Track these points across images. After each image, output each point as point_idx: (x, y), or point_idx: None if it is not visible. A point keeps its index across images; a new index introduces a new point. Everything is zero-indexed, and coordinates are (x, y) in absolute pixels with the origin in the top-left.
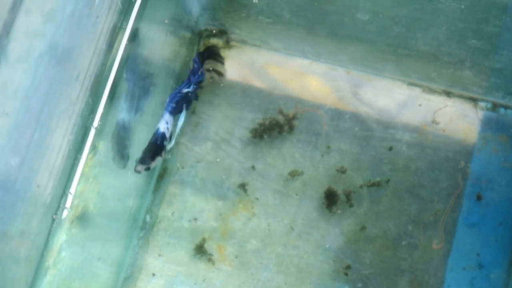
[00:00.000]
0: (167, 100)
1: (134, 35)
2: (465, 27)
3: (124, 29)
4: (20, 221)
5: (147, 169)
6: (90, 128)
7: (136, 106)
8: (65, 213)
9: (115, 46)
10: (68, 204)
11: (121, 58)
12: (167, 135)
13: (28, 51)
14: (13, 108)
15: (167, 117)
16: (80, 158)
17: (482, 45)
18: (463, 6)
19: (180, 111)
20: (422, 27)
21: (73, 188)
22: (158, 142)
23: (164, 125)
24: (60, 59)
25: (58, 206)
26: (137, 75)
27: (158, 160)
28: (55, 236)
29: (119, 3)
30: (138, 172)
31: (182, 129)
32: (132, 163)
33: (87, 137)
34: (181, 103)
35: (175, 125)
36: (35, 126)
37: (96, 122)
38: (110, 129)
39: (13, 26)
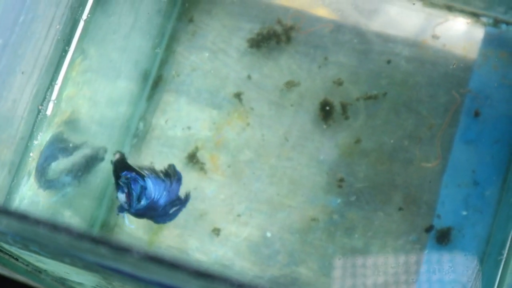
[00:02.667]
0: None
1: None
2: None
3: None
4: (2, 106)
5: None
6: (79, 21)
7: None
8: (51, 106)
9: None
10: (54, 96)
11: None
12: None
13: None
14: None
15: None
16: (68, 50)
17: None
18: None
19: None
20: None
21: (59, 80)
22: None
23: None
24: None
25: (44, 98)
26: None
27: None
28: (41, 131)
29: None
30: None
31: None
32: None
33: (76, 30)
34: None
35: None
36: (20, 9)
37: (85, 15)
38: (102, 35)
39: None
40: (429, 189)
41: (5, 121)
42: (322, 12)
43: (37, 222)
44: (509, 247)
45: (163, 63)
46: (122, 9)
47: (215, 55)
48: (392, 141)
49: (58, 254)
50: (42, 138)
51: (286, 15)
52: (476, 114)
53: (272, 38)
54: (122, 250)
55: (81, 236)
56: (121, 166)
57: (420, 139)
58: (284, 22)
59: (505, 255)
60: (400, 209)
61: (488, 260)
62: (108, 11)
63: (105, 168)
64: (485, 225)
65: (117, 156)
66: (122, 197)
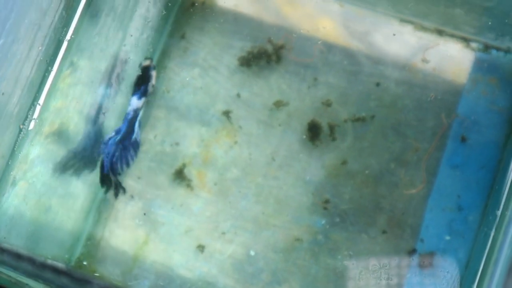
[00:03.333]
0: None
1: None
2: None
3: None
4: None
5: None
6: (63, 41)
7: None
8: (32, 124)
9: None
10: (36, 115)
11: None
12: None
13: None
14: None
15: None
16: (51, 71)
17: None
18: None
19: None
20: None
21: (42, 100)
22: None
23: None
24: None
25: (26, 117)
26: None
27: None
28: (23, 149)
29: None
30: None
31: None
32: None
33: (59, 50)
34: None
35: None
36: (0, 33)
37: (69, 35)
38: (90, 47)
39: None
40: (413, 212)
41: None
42: (313, 32)
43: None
44: (482, 272)
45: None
46: (109, 27)
47: (206, 72)
48: (378, 164)
49: (30, 276)
50: (27, 152)
51: (277, 34)
52: (463, 139)
53: (262, 57)
54: (83, 281)
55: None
56: (145, 75)
57: (406, 163)
58: (275, 42)
59: (476, 282)
60: (384, 232)
61: (465, 285)
62: (94, 31)
63: (93, 180)
64: (466, 250)
65: (147, 62)
66: (134, 102)
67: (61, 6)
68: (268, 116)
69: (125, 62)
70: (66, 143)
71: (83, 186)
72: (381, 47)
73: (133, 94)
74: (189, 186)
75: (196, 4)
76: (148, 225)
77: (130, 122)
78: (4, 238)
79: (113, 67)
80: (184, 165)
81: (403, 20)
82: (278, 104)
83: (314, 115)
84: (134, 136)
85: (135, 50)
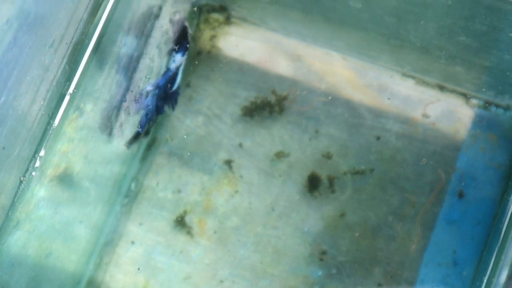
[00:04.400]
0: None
1: None
2: (453, 22)
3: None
4: None
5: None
6: (66, 95)
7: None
8: (33, 174)
9: (98, 15)
10: (37, 164)
11: (102, 27)
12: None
13: None
14: None
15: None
16: (53, 124)
17: (471, 42)
18: (449, 2)
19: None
20: (412, 19)
21: (42, 153)
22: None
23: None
24: (32, 26)
25: (27, 169)
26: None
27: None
28: (27, 193)
29: None
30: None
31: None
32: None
33: (61, 104)
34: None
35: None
36: (1, 90)
37: (72, 89)
38: (98, 93)
39: None
40: (409, 266)
41: None
42: (316, 84)
43: None
44: None
45: (158, 125)
46: (113, 78)
47: (210, 120)
48: (376, 217)
49: None
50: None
51: (281, 85)
52: (461, 195)
53: (265, 108)
54: None
55: None
56: (182, 30)
57: (404, 216)
58: (279, 93)
59: None
60: (379, 284)
61: None
62: (98, 82)
63: (95, 224)
64: None
65: (178, 16)
66: (178, 59)
67: (64, 61)
68: (269, 166)
69: (128, 112)
70: (70, 187)
71: (85, 230)
72: (383, 100)
73: (177, 51)
74: (189, 233)
75: (202, 53)
76: (148, 271)
77: (171, 77)
78: (6, 281)
79: (116, 116)
80: (185, 212)
81: (404, 75)
82: (280, 155)
83: (314, 166)
84: (176, 87)
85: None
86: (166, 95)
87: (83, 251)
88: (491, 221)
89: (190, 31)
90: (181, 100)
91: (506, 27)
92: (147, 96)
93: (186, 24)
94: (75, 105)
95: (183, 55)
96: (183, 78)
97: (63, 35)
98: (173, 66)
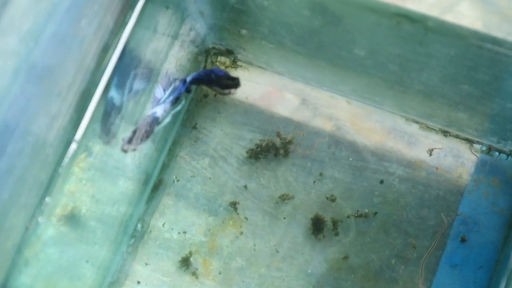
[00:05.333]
0: (170, 89)
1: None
2: (456, 72)
3: (115, 48)
4: None
5: (134, 149)
6: (72, 141)
7: (129, 86)
8: (40, 220)
9: (104, 64)
10: (44, 208)
11: (109, 77)
12: (160, 120)
13: (1, 69)
14: None
15: (168, 105)
16: (58, 170)
17: (473, 91)
18: (452, 53)
19: (178, 103)
20: (415, 68)
21: (48, 199)
22: (150, 126)
23: (161, 112)
24: (39, 77)
25: (33, 215)
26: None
27: (146, 143)
28: (35, 233)
29: (111, 23)
30: (125, 151)
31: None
32: (118, 142)
33: (67, 151)
34: (181, 97)
35: (170, 110)
36: (8, 140)
37: (78, 136)
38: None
39: None
40: None
41: None
42: (321, 127)
43: None
44: None
45: (165, 167)
46: (119, 125)
47: (216, 162)
48: (379, 259)
49: None
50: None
51: (286, 128)
52: (463, 240)
53: (270, 150)
54: None
55: None
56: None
57: (407, 259)
58: (284, 136)
59: None
60: None
61: None
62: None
63: (101, 263)
64: None
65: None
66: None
67: (71, 109)
68: (273, 208)
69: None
70: (77, 226)
71: (92, 269)
72: (387, 145)
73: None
74: (194, 274)
75: (208, 95)
76: None
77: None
78: None
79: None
80: (190, 253)
81: (408, 119)
82: (284, 197)
83: (318, 209)
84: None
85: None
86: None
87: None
88: (493, 266)
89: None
90: (187, 142)
91: (509, 77)
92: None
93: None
94: (83, 145)
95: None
96: (189, 119)
97: (71, 84)
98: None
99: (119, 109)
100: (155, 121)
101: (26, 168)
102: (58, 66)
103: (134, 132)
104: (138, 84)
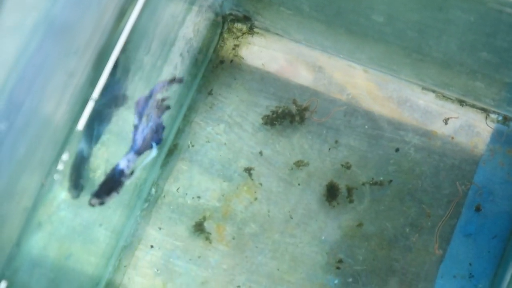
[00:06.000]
0: (132, 135)
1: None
2: (475, 38)
3: (134, 6)
4: (5, 181)
5: (101, 203)
6: (89, 100)
7: (95, 134)
8: (55, 177)
9: (122, 23)
10: (60, 167)
11: (128, 35)
12: (126, 172)
13: (21, 23)
14: (2, 75)
15: (131, 156)
16: (75, 127)
17: (492, 58)
18: (472, 18)
19: (148, 148)
20: (434, 34)
21: (65, 156)
22: (116, 178)
23: (125, 163)
24: (57, 33)
25: (49, 172)
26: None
27: (114, 196)
28: (49, 195)
29: None
30: (92, 205)
31: (148, 164)
32: (87, 194)
33: (84, 109)
34: (149, 141)
35: (141, 161)
36: (26, 94)
37: (96, 94)
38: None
39: None
40: (425, 277)
41: (6, 196)
42: (337, 95)
43: None
44: None
45: (180, 132)
46: (137, 85)
47: (231, 128)
48: (393, 227)
49: None
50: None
51: (302, 96)
52: (478, 209)
53: (286, 117)
54: None
55: None
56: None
57: (421, 228)
58: (299, 103)
59: None
60: None
61: None
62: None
63: (114, 227)
64: None
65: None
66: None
67: (89, 66)
68: (288, 175)
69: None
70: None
71: (105, 233)
72: (403, 113)
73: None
74: (207, 238)
75: (225, 62)
76: (166, 274)
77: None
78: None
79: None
80: (204, 218)
81: (425, 88)
82: (299, 164)
83: (333, 176)
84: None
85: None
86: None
87: (102, 254)
88: (507, 235)
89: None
90: (202, 107)
91: None
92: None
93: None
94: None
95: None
96: (205, 85)
97: (88, 42)
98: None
99: (87, 160)
100: (120, 173)
101: (42, 125)
102: (76, 23)
103: (101, 186)
104: (102, 128)
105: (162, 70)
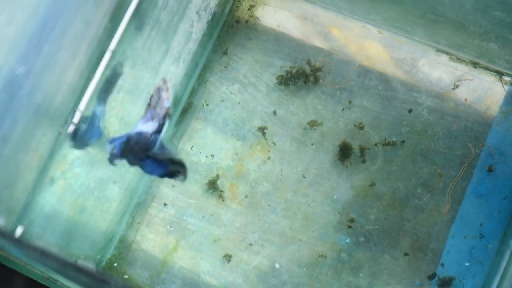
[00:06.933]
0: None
1: None
2: None
3: None
4: (22, 128)
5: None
6: (106, 51)
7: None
8: (71, 128)
9: None
10: (75, 119)
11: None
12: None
13: None
14: (22, 19)
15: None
16: (92, 78)
17: (506, 17)
18: None
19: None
20: None
21: (82, 105)
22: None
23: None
24: None
25: (66, 121)
26: None
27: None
28: (63, 150)
29: None
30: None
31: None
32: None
33: (101, 60)
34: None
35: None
36: (45, 40)
37: (113, 46)
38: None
39: None
40: (436, 237)
41: (23, 143)
42: (352, 56)
43: (29, 247)
44: None
45: (195, 91)
46: (153, 40)
47: (245, 88)
48: (405, 188)
49: (59, 273)
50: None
51: (316, 56)
52: (490, 170)
53: (300, 78)
54: (101, 281)
55: (65, 264)
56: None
57: (433, 189)
58: (314, 64)
59: None
60: (406, 254)
61: None
62: (138, 43)
63: (128, 185)
64: (482, 276)
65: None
66: (139, 126)
67: (106, 18)
68: (301, 135)
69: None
70: (105, 147)
71: (119, 190)
72: (416, 75)
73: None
74: (221, 197)
75: (240, 22)
76: (179, 232)
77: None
78: (39, 234)
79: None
80: (217, 177)
81: (439, 50)
82: (312, 124)
83: (346, 136)
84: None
85: (176, 62)
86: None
87: (116, 210)
88: None
89: (165, 103)
90: (217, 67)
91: None
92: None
93: (165, 95)
94: (112, 66)
95: (144, 123)
96: (220, 45)
97: None
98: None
99: (102, 116)
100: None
101: (60, 71)
102: None
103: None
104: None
105: (178, 26)
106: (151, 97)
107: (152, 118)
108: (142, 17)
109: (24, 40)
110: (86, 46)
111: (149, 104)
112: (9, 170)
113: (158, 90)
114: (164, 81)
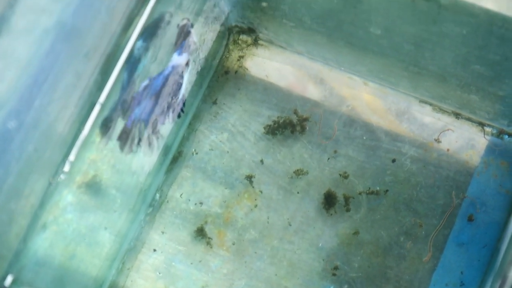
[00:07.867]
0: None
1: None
2: (468, 51)
3: (141, 15)
4: (14, 178)
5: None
6: (96, 104)
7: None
8: (62, 177)
9: (130, 30)
10: (66, 169)
11: (134, 42)
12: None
13: (33, 25)
14: (13, 75)
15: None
16: (82, 129)
17: (485, 71)
18: (464, 31)
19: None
20: (429, 47)
21: (72, 157)
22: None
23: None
24: (68, 36)
25: (56, 171)
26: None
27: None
28: (55, 196)
29: None
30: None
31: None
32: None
33: (91, 111)
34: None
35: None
36: (36, 94)
37: (102, 98)
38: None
39: (19, 1)
40: (418, 285)
41: (15, 193)
42: (338, 106)
43: None
44: None
45: (185, 139)
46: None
47: (234, 137)
48: (388, 236)
49: None
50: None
51: (303, 106)
52: (470, 219)
53: (287, 127)
54: None
55: None
56: (183, 32)
57: (415, 237)
58: (301, 114)
59: None
60: None
61: None
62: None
63: (119, 231)
64: None
65: (185, 21)
66: (175, 58)
67: (97, 70)
68: (288, 183)
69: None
70: (97, 194)
71: (110, 236)
72: (400, 125)
73: (174, 51)
74: (209, 243)
75: (229, 72)
76: (168, 278)
77: (166, 78)
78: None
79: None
80: (206, 223)
81: (422, 101)
82: (298, 173)
83: (331, 185)
84: (180, 97)
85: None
86: (168, 103)
87: (106, 256)
88: (495, 244)
89: (194, 38)
90: (207, 116)
91: None
92: (142, 94)
93: (192, 30)
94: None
95: (179, 54)
96: (210, 95)
97: (97, 46)
98: (169, 64)
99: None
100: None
101: (51, 124)
102: (86, 27)
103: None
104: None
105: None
106: (178, 34)
107: (184, 50)
108: (131, 71)
109: (15, 95)
110: (77, 98)
111: (176, 42)
112: (0, 219)
113: (184, 26)
114: (188, 19)
